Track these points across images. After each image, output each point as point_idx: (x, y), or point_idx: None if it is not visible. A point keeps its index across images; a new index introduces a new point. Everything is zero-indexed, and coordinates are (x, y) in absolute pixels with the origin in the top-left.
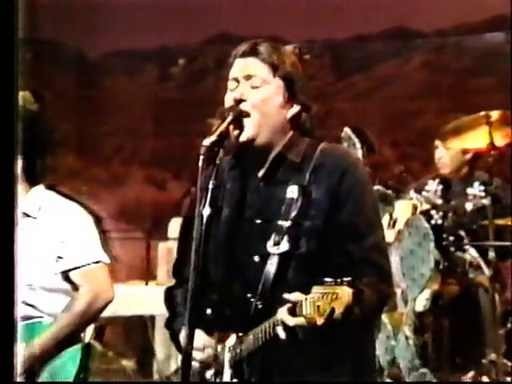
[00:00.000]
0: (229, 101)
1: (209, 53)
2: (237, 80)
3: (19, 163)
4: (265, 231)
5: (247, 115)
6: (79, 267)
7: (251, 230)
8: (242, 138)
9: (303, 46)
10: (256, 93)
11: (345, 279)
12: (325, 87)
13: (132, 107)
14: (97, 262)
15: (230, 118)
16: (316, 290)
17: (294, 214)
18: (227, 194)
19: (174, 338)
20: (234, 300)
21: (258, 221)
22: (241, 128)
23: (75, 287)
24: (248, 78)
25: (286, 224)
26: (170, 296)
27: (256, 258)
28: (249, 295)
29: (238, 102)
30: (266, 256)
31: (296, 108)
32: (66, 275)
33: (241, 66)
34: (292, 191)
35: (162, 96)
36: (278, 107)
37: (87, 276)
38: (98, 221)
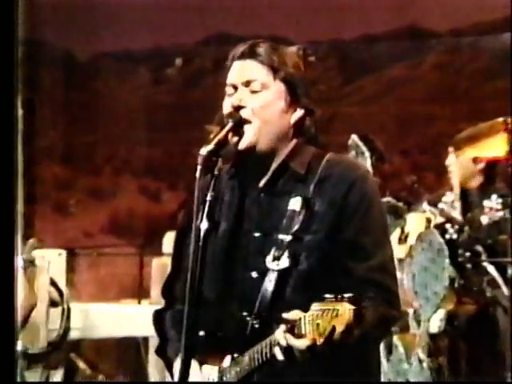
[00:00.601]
0: (227, 107)
1: (206, 54)
2: (234, 86)
3: (19, 170)
4: (264, 245)
5: (247, 122)
6: None
7: (249, 243)
8: (242, 146)
9: (307, 46)
10: (256, 98)
11: (345, 295)
12: (331, 91)
13: (124, 112)
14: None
15: (229, 126)
16: (315, 306)
17: (295, 227)
18: (225, 206)
19: (169, 366)
20: (229, 319)
21: (257, 234)
22: (241, 135)
23: None
24: (247, 83)
25: (287, 238)
26: (159, 320)
27: (254, 274)
28: (245, 313)
29: (237, 108)
30: (264, 272)
31: (299, 112)
32: None
33: (239, 70)
34: (294, 203)
35: (156, 100)
36: (279, 112)
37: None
38: None
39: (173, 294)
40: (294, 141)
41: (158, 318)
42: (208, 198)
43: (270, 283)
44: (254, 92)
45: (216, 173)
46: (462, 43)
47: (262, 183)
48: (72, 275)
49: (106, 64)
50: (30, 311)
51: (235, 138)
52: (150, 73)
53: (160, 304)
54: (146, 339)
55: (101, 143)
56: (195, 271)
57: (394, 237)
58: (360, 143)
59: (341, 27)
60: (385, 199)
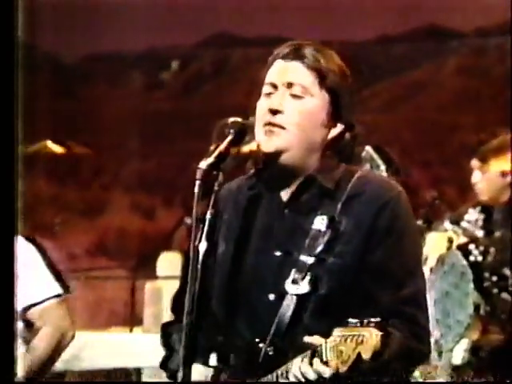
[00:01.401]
0: (262, 109)
1: (206, 56)
2: (274, 86)
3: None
4: (284, 266)
5: (281, 127)
6: (38, 303)
7: (268, 263)
8: (269, 148)
9: None
10: (296, 104)
11: (372, 320)
12: None
13: (114, 120)
14: (57, 296)
15: (231, 136)
16: (338, 332)
17: (319, 249)
18: (233, 222)
19: (171, 379)
20: (241, 345)
21: (278, 253)
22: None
23: (31, 328)
24: (288, 85)
25: (310, 260)
26: (166, 332)
27: (271, 297)
28: (257, 340)
29: (274, 112)
30: (282, 295)
31: (339, 128)
32: (22, 314)
33: (281, 70)
34: (320, 223)
35: (151, 107)
36: (318, 125)
37: (47, 315)
38: (43, 252)
39: (181, 309)
40: (326, 156)
41: (166, 330)
42: (207, 215)
43: (287, 308)
44: (295, 96)
45: (216, 188)
46: (487, 44)
47: (286, 198)
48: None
49: (95, 67)
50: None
51: (270, 145)
52: (144, 77)
53: (154, 332)
54: (138, 371)
55: (88, 155)
56: (194, 296)
57: None
58: (375, 155)
59: (353, 27)
60: None
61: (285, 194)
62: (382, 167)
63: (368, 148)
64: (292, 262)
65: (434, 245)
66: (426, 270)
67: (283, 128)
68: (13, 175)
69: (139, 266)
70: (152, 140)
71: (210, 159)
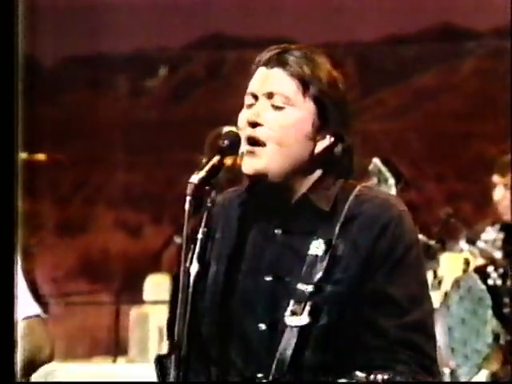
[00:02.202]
0: (242, 121)
1: (198, 59)
2: (255, 96)
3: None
4: (274, 292)
5: (260, 143)
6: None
7: (258, 288)
8: (247, 170)
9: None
10: (277, 115)
11: (379, 376)
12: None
13: (98, 130)
14: (36, 316)
15: (225, 148)
16: None
17: (317, 276)
18: (224, 242)
19: None
20: (237, 378)
21: (268, 278)
22: (249, 156)
23: None
24: (269, 95)
25: (309, 289)
26: (161, 365)
27: (262, 327)
28: (259, 375)
29: (253, 125)
30: (274, 324)
31: (328, 141)
32: None
33: (262, 79)
34: (317, 247)
35: (136, 116)
36: (303, 138)
37: (26, 331)
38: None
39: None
40: (318, 172)
41: (161, 363)
42: (199, 235)
43: (288, 342)
44: (276, 108)
45: (209, 205)
46: (505, 45)
47: (278, 218)
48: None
49: (76, 71)
50: None
51: (252, 162)
52: (130, 82)
53: (139, 362)
54: None
55: (68, 167)
56: (184, 322)
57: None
58: (383, 168)
59: (357, 26)
60: None
61: (276, 215)
62: (391, 181)
63: (375, 160)
64: (283, 289)
65: (449, 267)
66: (439, 294)
67: (263, 145)
68: None
69: (124, 289)
70: (139, 150)
71: (202, 173)
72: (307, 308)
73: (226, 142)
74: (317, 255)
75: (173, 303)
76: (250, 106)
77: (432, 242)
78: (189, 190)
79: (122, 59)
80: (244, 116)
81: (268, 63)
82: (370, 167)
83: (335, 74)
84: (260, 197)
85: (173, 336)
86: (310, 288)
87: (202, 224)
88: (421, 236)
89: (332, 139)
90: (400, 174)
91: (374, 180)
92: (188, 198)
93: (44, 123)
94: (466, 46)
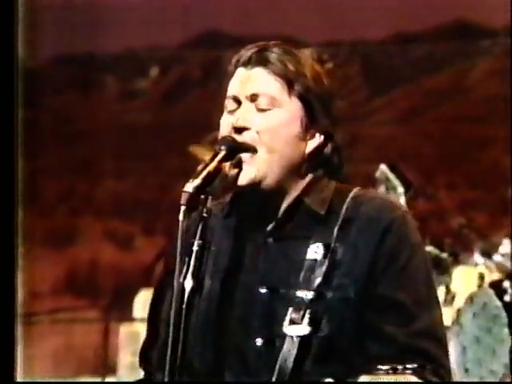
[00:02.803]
0: (225, 127)
1: (192, 59)
2: (237, 100)
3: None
4: (270, 304)
5: (251, 149)
6: None
7: (252, 302)
8: (242, 181)
9: (323, 49)
10: (263, 118)
11: (409, 366)
12: (353, 107)
13: (84, 135)
14: None
15: (222, 154)
16: (366, 379)
17: (317, 281)
18: (219, 255)
19: None
20: None
21: (263, 290)
22: (239, 166)
23: None
24: (253, 97)
25: (308, 295)
26: None
27: (258, 342)
28: None
29: (239, 130)
30: (271, 338)
31: (318, 139)
32: None
33: (243, 80)
34: (315, 251)
35: (127, 119)
36: (293, 139)
37: None
38: None
39: (151, 363)
40: (310, 174)
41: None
42: (194, 247)
43: (289, 353)
44: (261, 110)
45: (205, 215)
46: None
47: (270, 227)
48: (19, 347)
49: (61, 72)
50: None
51: (234, 171)
52: (120, 83)
53: (129, 381)
54: None
55: (53, 174)
56: (178, 340)
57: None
58: (391, 175)
59: (364, 24)
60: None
61: (268, 222)
62: (400, 189)
63: (383, 167)
64: (279, 300)
65: (462, 281)
66: (452, 310)
67: (253, 151)
68: None
69: (113, 305)
70: (129, 156)
71: (197, 181)
72: (307, 316)
73: (223, 147)
74: (315, 259)
75: (153, 322)
76: (233, 110)
77: (444, 255)
78: (183, 199)
79: (111, 59)
80: (227, 121)
81: (248, 63)
82: (377, 174)
83: (318, 68)
84: (249, 205)
85: (149, 363)
86: (309, 294)
87: (197, 235)
88: (432, 248)
89: (322, 137)
90: (409, 181)
91: (382, 188)
92: (182, 208)
93: (26, 126)
94: (481, 44)
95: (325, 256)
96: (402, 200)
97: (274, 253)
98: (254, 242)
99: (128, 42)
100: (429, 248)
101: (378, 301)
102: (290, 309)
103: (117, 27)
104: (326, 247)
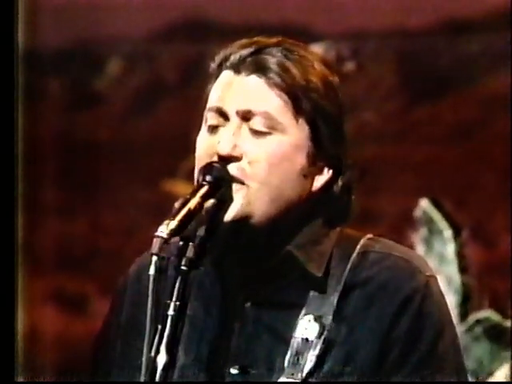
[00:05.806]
0: (204, 151)
1: (164, 55)
2: (223, 114)
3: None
4: None
5: (239, 182)
6: None
7: None
8: (227, 218)
9: (342, 44)
10: (259, 145)
11: None
12: (383, 119)
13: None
14: None
15: (204, 190)
16: None
17: (307, 368)
18: (194, 321)
19: None
20: None
21: (234, 371)
22: (224, 202)
23: None
24: (246, 115)
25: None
26: None
27: None
28: None
29: (226, 159)
30: None
31: (326, 175)
32: None
33: (233, 89)
34: (306, 328)
35: (75, 136)
36: (295, 174)
37: None
38: None
39: None
40: (309, 219)
41: None
42: (170, 311)
43: None
44: (256, 133)
45: (184, 268)
46: None
47: (248, 287)
48: None
49: None
50: None
51: (212, 205)
52: (68, 86)
53: None
54: None
55: None
56: None
57: (499, 376)
58: (435, 214)
59: (403, 8)
60: (480, 314)
61: (245, 281)
62: (447, 233)
63: (424, 202)
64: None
65: None
66: None
67: (241, 183)
68: None
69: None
70: (79, 187)
71: (174, 223)
72: None
73: (208, 177)
74: (306, 339)
75: None
76: (215, 127)
77: (508, 323)
78: (154, 246)
79: (54, 55)
80: (207, 143)
81: (238, 67)
82: (417, 212)
83: (330, 75)
84: (223, 260)
85: None
86: (296, 382)
87: (174, 296)
88: (491, 313)
89: (330, 172)
90: (459, 222)
91: (423, 232)
92: (154, 259)
93: None
94: None
95: (319, 335)
96: (451, 247)
97: (253, 322)
98: (225, 307)
99: (79, 32)
100: (486, 313)
101: None
102: None
103: (63, 14)
104: (321, 323)
